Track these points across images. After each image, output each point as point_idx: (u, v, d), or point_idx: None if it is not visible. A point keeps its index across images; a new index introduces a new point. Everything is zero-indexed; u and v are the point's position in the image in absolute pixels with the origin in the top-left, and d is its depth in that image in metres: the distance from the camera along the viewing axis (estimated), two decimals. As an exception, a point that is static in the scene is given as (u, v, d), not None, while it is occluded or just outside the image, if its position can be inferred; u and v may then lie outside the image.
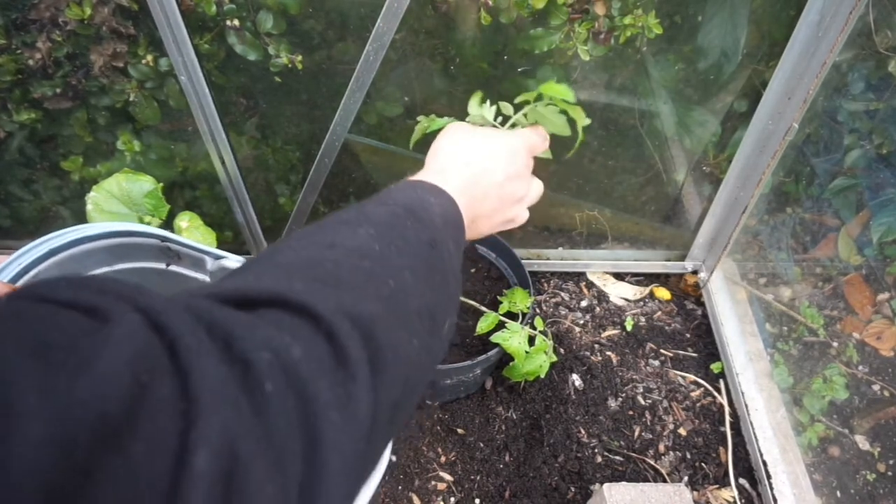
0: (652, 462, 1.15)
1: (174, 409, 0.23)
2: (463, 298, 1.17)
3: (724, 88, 1.11)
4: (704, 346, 1.35)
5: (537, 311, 1.40)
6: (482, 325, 1.10)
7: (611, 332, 1.37)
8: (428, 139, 0.69)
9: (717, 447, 1.18)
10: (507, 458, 1.16)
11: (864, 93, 1.00)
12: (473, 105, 0.67)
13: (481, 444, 1.18)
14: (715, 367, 1.30)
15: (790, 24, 0.98)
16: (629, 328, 1.37)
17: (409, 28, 1.01)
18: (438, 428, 1.21)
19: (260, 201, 1.30)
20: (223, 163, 1.16)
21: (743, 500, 1.10)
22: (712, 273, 1.38)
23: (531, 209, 0.65)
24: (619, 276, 1.49)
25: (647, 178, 1.28)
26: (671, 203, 1.35)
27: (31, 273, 0.78)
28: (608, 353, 1.33)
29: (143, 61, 1.04)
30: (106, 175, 1.13)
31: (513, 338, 1.07)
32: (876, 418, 0.96)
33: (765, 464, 1.10)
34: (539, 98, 0.63)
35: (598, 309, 1.42)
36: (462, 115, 0.68)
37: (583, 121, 0.63)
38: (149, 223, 1.09)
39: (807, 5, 0.94)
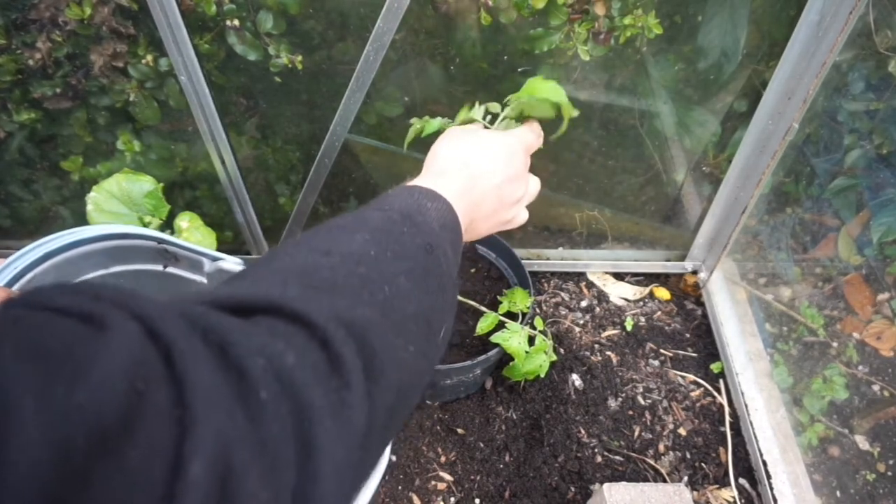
0: (652, 462, 1.15)
1: (169, 416, 0.23)
2: (463, 298, 1.17)
3: (724, 88, 1.11)
4: (704, 346, 1.35)
5: (537, 311, 1.40)
6: (482, 326, 1.10)
7: (611, 332, 1.37)
8: (426, 140, 0.69)
9: (717, 447, 1.18)
10: (507, 458, 1.17)
11: (864, 93, 1.00)
12: (462, 113, 0.68)
13: (481, 444, 1.18)
14: (715, 367, 1.30)
15: (790, 24, 0.97)
16: (629, 328, 1.37)
17: (409, 28, 1.01)
18: (438, 428, 1.21)
19: (260, 201, 1.30)
20: (223, 163, 1.16)
21: (743, 500, 1.10)
22: (712, 273, 1.38)
23: (531, 209, 0.65)
24: (619, 276, 1.49)
25: (647, 178, 1.28)
26: (671, 203, 1.35)
27: (28, 277, 0.78)
28: (608, 353, 1.33)
29: (143, 61, 1.04)
30: (106, 175, 1.14)
31: (513, 338, 1.07)
32: (876, 418, 0.96)
33: (765, 464, 1.10)
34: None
35: (598, 309, 1.42)
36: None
37: (570, 112, 0.63)
38: (149, 223, 1.09)
39: (807, 5, 0.94)
